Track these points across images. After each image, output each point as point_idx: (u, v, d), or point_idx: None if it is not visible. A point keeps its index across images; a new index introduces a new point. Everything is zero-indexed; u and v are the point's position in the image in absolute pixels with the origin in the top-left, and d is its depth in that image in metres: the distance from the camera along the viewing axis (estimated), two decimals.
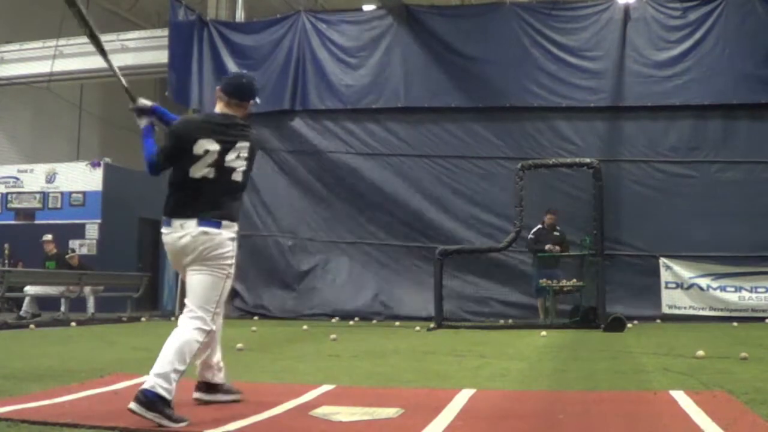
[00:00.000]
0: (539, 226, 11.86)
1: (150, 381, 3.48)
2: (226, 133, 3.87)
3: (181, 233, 3.75)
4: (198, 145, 3.78)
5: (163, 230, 3.85)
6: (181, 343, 3.61)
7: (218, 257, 3.76)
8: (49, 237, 13.96)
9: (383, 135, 13.93)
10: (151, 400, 3.42)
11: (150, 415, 3.40)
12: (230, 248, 3.80)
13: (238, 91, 4.00)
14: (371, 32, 14.09)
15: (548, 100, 13.13)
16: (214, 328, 3.78)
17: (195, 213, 3.75)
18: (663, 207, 12.59)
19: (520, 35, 13.27)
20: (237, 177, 3.86)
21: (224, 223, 3.79)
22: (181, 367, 3.57)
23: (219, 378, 4.12)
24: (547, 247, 11.57)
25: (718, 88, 12.50)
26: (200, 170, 3.79)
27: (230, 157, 3.82)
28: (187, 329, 3.67)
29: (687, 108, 12.73)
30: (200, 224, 3.73)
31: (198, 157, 3.78)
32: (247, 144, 3.89)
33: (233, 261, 3.82)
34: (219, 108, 4.01)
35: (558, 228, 11.88)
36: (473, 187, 13.40)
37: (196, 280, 3.76)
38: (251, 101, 4.04)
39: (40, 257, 13.91)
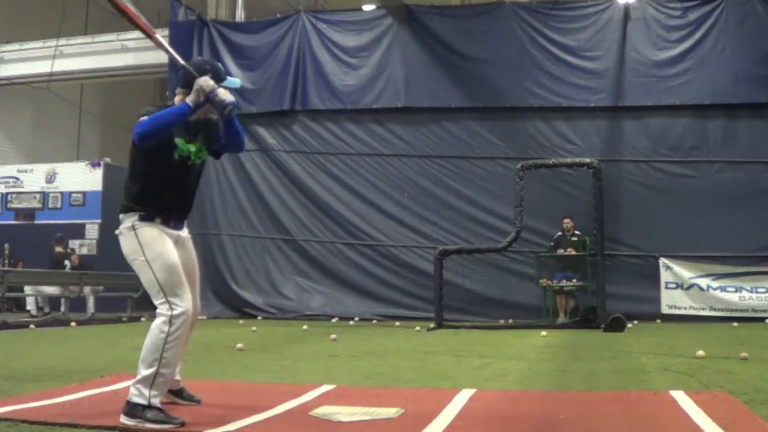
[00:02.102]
0: (559, 233, 12.01)
1: (130, 391, 3.56)
2: None
3: None
4: None
5: None
6: (145, 346, 3.57)
7: (129, 252, 3.70)
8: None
9: (383, 135, 13.93)
10: (130, 409, 3.51)
11: (131, 421, 3.46)
12: (130, 236, 3.67)
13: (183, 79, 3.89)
14: (371, 32, 14.08)
15: (548, 100, 13.12)
16: (177, 311, 3.55)
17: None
18: (663, 207, 12.57)
19: (520, 35, 13.26)
20: None
21: (120, 216, 3.74)
22: (148, 371, 3.51)
23: (176, 386, 4.03)
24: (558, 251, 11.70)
25: (718, 87, 12.49)
26: None
27: None
28: (153, 325, 3.60)
29: (687, 108, 12.71)
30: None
31: None
32: None
33: (139, 243, 3.64)
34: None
35: (577, 232, 11.92)
36: (473, 187, 13.39)
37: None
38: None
39: (40, 257, 13.92)
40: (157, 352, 3.52)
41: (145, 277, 3.64)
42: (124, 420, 3.48)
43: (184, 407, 3.92)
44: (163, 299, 3.58)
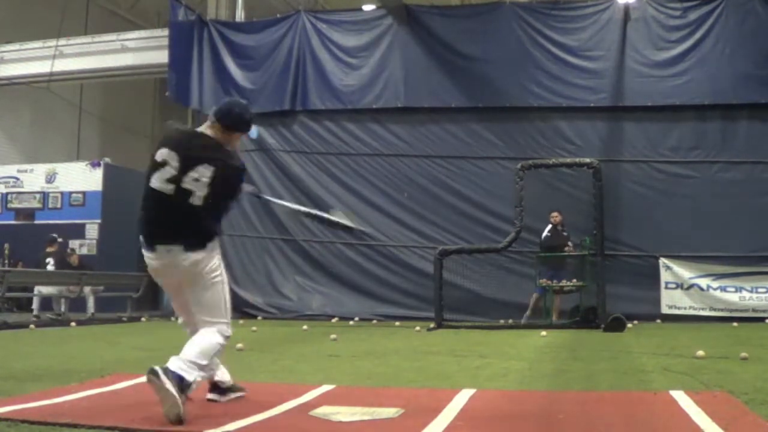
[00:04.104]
0: (550, 225, 11.90)
1: (174, 364, 3.54)
2: (191, 149, 3.74)
3: (168, 260, 3.75)
4: (159, 153, 3.73)
5: (147, 254, 3.85)
6: (205, 343, 3.70)
7: (209, 272, 3.80)
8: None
9: (383, 135, 13.93)
10: (174, 377, 3.46)
11: (170, 385, 3.41)
12: (215, 262, 3.84)
13: (226, 118, 3.90)
14: (371, 32, 14.09)
15: (548, 100, 13.12)
16: (229, 334, 3.86)
17: (177, 238, 3.72)
18: (663, 207, 12.58)
19: (520, 35, 13.27)
20: (195, 201, 3.69)
21: (208, 245, 3.79)
22: (204, 362, 3.63)
23: (226, 377, 4.20)
24: (566, 249, 11.57)
25: (718, 88, 12.49)
26: (157, 182, 3.71)
27: (188, 177, 3.68)
28: (210, 333, 3.76)
29: (687, 108, 12.72)
30: (187, 250, 3.71)
31: (156, 165, 3.72)
32: (211, 169, 3.69)
33: (222, 268, 3.88)
34: (204, 127, 3.93)
35: (564, 228, 11.89)
36: (473, 187, 13.39)
37: (200, 298, 3.81)
38: (241, 133, 4.00)
39: (39, 257, 13.92)
40: (210, 354, 3.70)
41: (217, 294, 3.84)
42: (161, 377, 3.41)
43: (187, 406, 3.92)
44: (226, 321, 3.85)
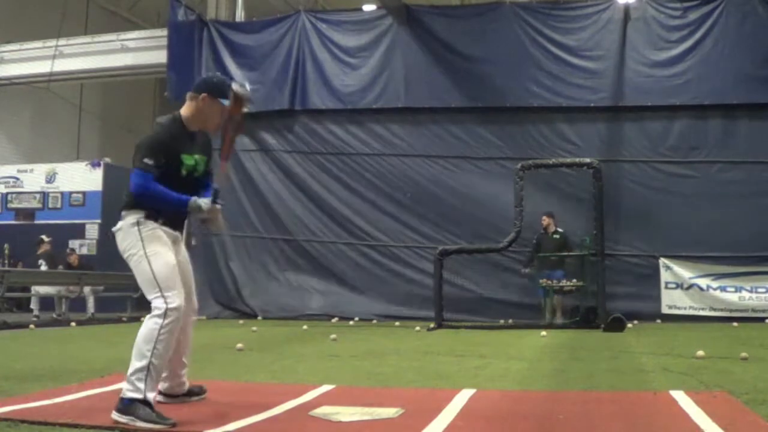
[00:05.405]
0: (542, 231, 11.94)
1: (124, 388, 3.56)
2: None
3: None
4: None
5: None
6: (137, 340, 3.63)
7: (127, 247, 3.76)
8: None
9: (383, 135, 13.93)
10: (123, 405, 3.50)
11: (123, 418, 3.46)
12: (132, 231, 3.73)
13: (194, 87, 4.02)
14: (371, 32, 14.08)
15: (548, 100, 13.12)
16: (173, 305, 3.63)
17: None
18: (663, 207, 12.57)
19: (520, 35, 13.26)
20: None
21: (123, 213, 3.79)
22: (141, 363, 3.55)
23: (183, 389, 4.11)
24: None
25: (718, 88, 12.49)
26: None
27: None
28: (146, 321, 3.68)
29: (687, 108, 12.71)
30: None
31: None
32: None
33: (140, 238, 3.71)
34: None
35: (559, 230, 11.91)
36: (473, 187, 13.38)
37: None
38: (209, 94, 3.91)
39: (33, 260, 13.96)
40: (150, 343, 3.58)
41: (142, 271, 3.71)
42: (116, 416, 3.48)
43: (185, 406, 3.92)
44: (158, 293, 3.66)
